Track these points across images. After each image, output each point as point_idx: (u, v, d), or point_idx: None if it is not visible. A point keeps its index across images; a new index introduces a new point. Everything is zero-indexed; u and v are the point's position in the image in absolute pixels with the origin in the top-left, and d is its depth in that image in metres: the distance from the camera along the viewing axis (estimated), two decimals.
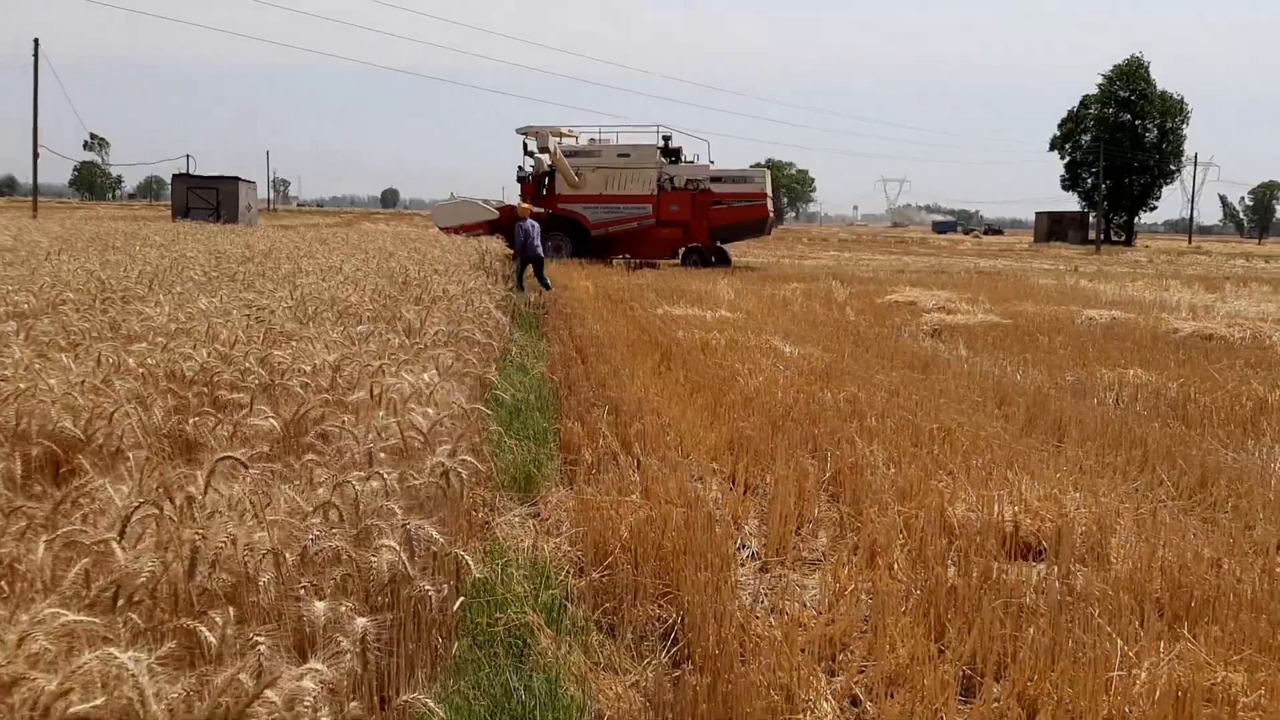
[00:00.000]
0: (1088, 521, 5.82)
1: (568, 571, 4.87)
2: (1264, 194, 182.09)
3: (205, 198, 45.57)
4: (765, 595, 5.18)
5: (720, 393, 9.57)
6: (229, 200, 45.63)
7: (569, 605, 4.40)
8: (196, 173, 52.14)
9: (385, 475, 3.22)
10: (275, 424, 4.30)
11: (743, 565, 5.54)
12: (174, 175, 48.53)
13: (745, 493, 6.63)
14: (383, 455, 3.92)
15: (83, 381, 4.57)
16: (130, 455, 3.77)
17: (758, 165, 32.99)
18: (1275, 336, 15.65)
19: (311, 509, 2.99)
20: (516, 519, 5.95)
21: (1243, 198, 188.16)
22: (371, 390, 4.79)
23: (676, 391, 9.92)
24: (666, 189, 31.84)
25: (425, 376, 4.91)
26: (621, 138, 33.08)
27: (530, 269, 21.59)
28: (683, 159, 32.76)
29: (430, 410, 4.38)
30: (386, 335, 7.40)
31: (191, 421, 4.33)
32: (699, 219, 31.83)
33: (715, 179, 31.95)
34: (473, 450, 4.58)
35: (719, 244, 33.06)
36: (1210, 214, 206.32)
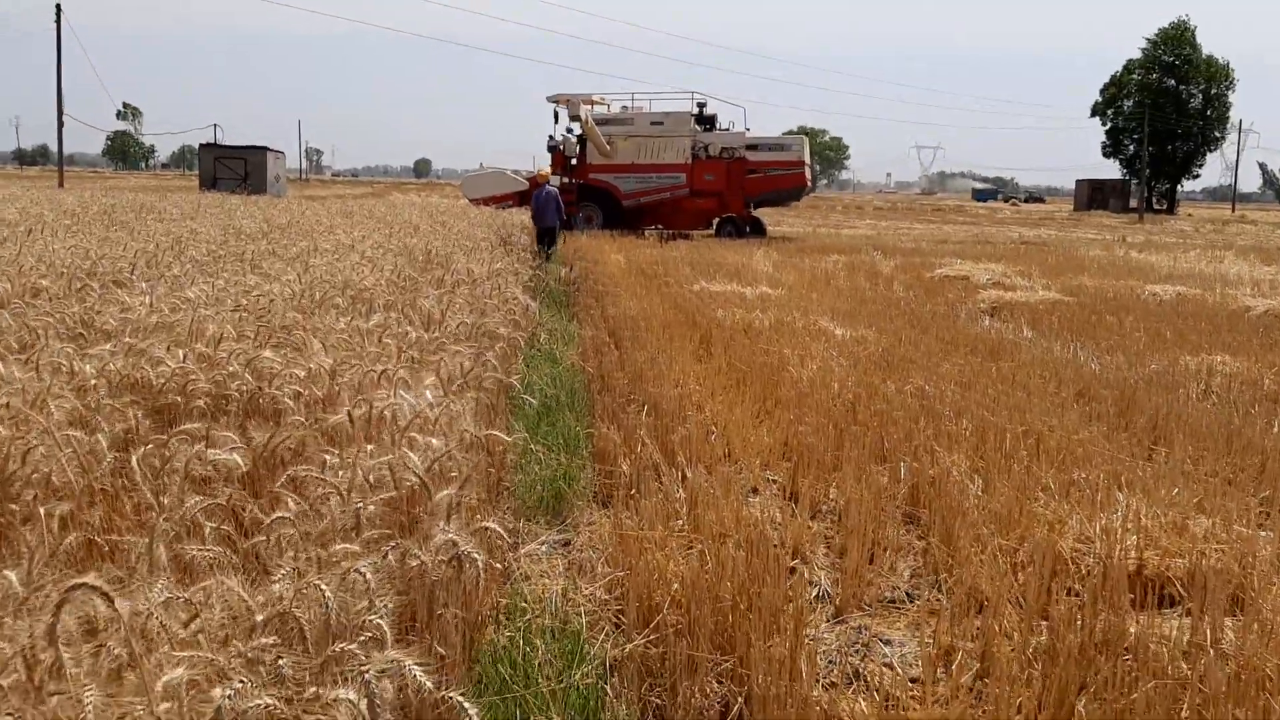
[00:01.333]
0: (1225, 558, 4.87)
1: (605, 633, 3.98)
2: None
3: (233, 168, 44.89)
4: (843, 654, 4.28)
5: (770, 384, 8.64)
6: (257, 171, 44.92)
7: (607, 689, 3.50)
8: (225, 143, 51.44)
9: (366, 575, 2.32)
10: (242, 459, 3.42)
11: (811, 609, 4.64)
12: (201, 146, 47.85)
13: (810, 515, 5.71)
14: (371, 509, 3.03)
15: (6, 403, 3.71)
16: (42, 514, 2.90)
17: (793, 133, 31.77)
18: None
19: (256, 622, 2.11)
20: (543, 550, 5.06)
21: None
22: (369, 411, 3.90)
23: (720, 383, 9.00)
24: (701, 157, 30.78)
25: (428, 395, 4.01)
26: (655, 105, 32.06)
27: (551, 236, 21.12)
28: (718, 126, 31.65)
29: (435, 442, 3.49)
30: (402, 327, 6.52)
31: (137, 457, 3.45)
32: (734, 188, 30.77)
33: (751, 147, 30.86)
34: (488, 488, 3.69)
35: (754, 214, 31.99)
36: (1248, 182, 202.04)
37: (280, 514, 2.84)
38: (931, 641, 4.17)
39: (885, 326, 12.13)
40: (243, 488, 3.62)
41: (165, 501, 3.30)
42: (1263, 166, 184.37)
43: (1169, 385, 9.24)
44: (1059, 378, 9.33)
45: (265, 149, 45.88)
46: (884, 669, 4.20)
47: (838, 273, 19.68)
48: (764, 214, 32.98)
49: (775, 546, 4.65)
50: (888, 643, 4.44)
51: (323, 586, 2.18)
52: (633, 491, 5.49)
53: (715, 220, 31.49)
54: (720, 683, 3.74)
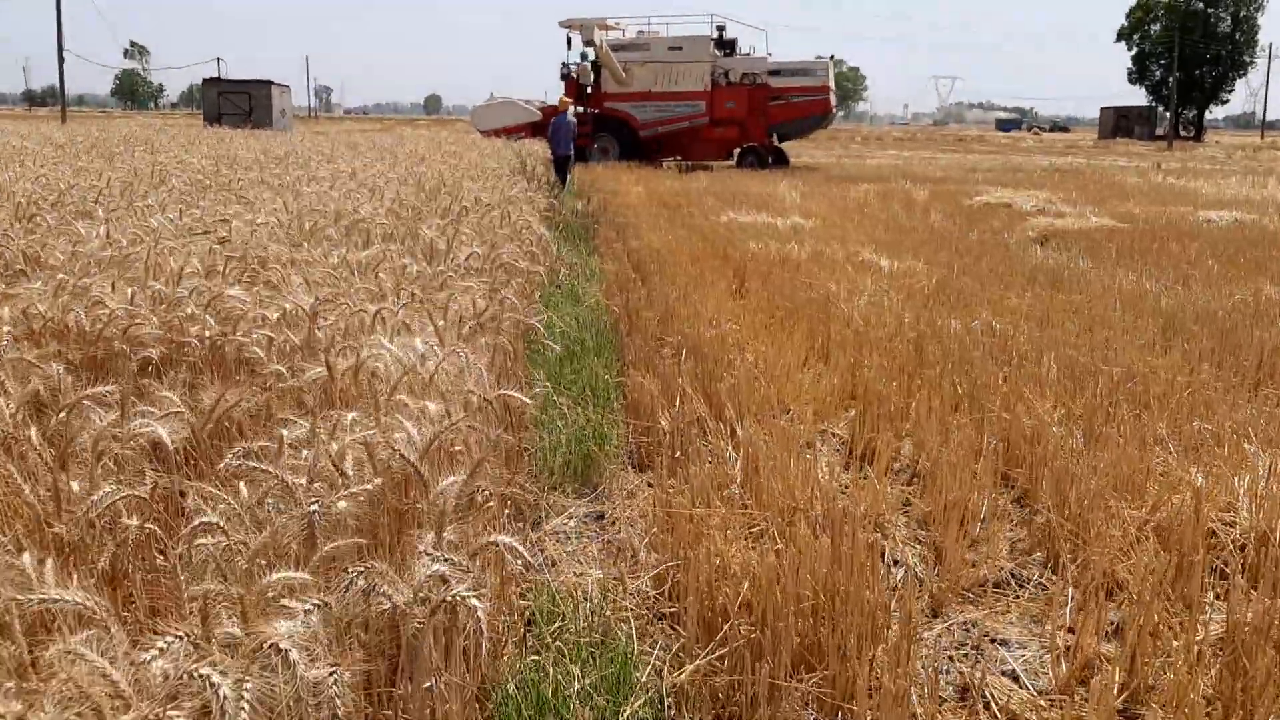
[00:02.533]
0: None
1: (658, 646, 3.11)
2: None
3: (237, 103, 43.69)
4: (952, 661, 3.41)
5: (817, 322, 7.71)
6: (262, 105, 43.72)
7: None
8: (229, 77, 50.13)
9: (293, 657, 1.44)
10: (170, 436, 2.52)
11: (896, 595, 3.76)
12: (204, 80, 46.52)
13: (884, 475, 4.82)
14: (344, 505, 2.15)
15: None
16: None
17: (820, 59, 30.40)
18: None
19: None
20: (572, 525, 4.19)
21: None
22: (356, 363, 3.01)
23: (760, 320, 8.08)
24: (721, 84, 29.52)
25: (419, 344, 3.09)
26: (672, 29, 30.69)
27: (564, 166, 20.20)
28: (738, 51, 30.33)
29: (433, 407, 2.59)
30: (402, 259, 5.60)
31: (35, 432, 2.56)
32: (756, 116, 29.53)
33: (773, 72, 29.57)
34: (506, 457, 2.81)
35: (777, 143, 30.78)
36: (1274, 109, 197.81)
37: (203, 519, 1.96)
38: (1061, 638, 3.29)
39: (933, 257, 11.15)
40: (185, 470, 2.74)
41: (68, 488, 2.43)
42: None
43: (1262, 318, 8.27)
44: (1136, 310, 8.37)
45: (270, 82, 44.60)
46: (1005, 681, 3.33)
47: (870, 201, 18.61)
48: (786, 144, 31.73)
49: (861, 526, 3.75)
50: (1003, 644, 3.57)
51: (213, 679, 1.30)
52: (677, 454, 4.59)
53: (736, 151, 30.31)
54: (807, 707, 2.88)
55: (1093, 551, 3.81)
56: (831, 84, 29.91)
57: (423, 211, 7.96)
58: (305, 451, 2.33)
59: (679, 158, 30.24)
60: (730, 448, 4.95)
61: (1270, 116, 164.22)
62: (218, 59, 56.37)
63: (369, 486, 2.17)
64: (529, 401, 3.15)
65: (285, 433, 2.39)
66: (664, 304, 7.99)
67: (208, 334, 4.08)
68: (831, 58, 29.98)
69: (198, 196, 8.28)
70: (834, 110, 30.96)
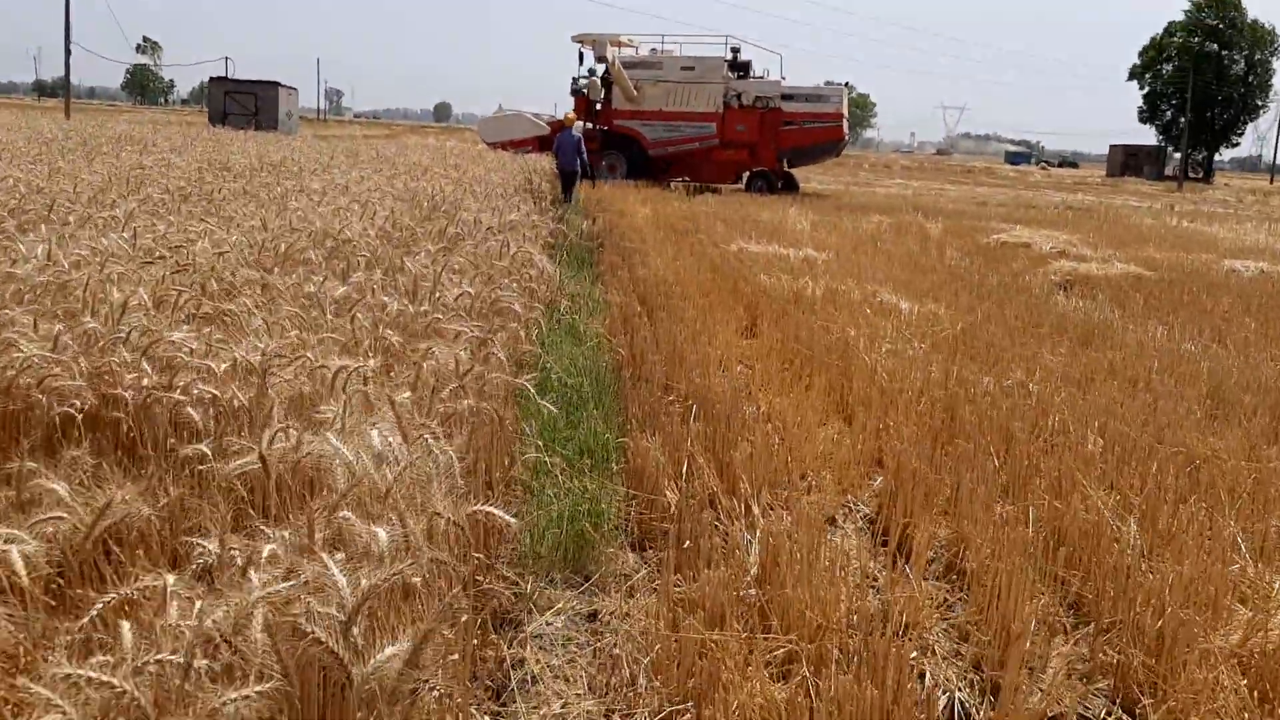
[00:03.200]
0: None
1: None
2: None
3: (243, 103, 43.19)
4: None
5: (837, 371, 7.11)
6: (268, 106, 43.22)
7: None
8: (236, 77, 49.64)
9: None
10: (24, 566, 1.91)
11: None
12: (210, 79, 46.04)
13: (916, 566, 4.20)
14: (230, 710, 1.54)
15: None
16: None
17: (831, 84, 29.91)
18: None
19: None
20: (560, 626, 3.57)
21: None
22: (293, 466, 2.40)
23: (773, 365, 7.49)
24: (733, 106, 28.97)
25: (378, 435, 2.48)
26: (686, 49, 30.21)
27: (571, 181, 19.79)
28: (752, 74, 29.80)
29: (383, 535, 1.99)
30: (383, 295, 5.01)
31: None
32: (766, 140, 28.98)
33: (786, 96, 29.02)
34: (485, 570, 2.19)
35: (787, 168, 30.23)
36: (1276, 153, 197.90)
37: None
38: None
39: (954, 301, 10.55)
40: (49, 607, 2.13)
41: None
42: None
43: None
44: (1177, 373, 7.77)
45: (277, 84, 44.12)
46: None
47: (883, 235, 18.04)
48: (792, 170, 31.17)
49: (898, 649, 3.14)
50: None
51: None
52: (685, 543, 3.98)
53: (746, 174, 29.76)
54: None
55: (1179, 696, 3.19)
56: (845, 111, 29.39)
57: (416, 234, 7.37)
58: (198, 604, 1.73)
59: (687, 178, 29.70)
60: (745, 529, 4.34)
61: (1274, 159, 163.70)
62: (225, 58, 55.82)
63: (263, 688, 1.57)
64: (511, 520, 2.54)
65: (171, 581, 1.78)
66: (671, 344, 7.38)
67: (145, 383, 3.47)
68: (846, 84, 29.45)
69: (173, 208, 7.68)
70: (847, 138, 30.43)
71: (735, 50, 29.61)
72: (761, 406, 6.47)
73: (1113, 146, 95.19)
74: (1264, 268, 15.79)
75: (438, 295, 4.89)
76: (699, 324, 8.57)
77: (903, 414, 6.12)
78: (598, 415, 5.52)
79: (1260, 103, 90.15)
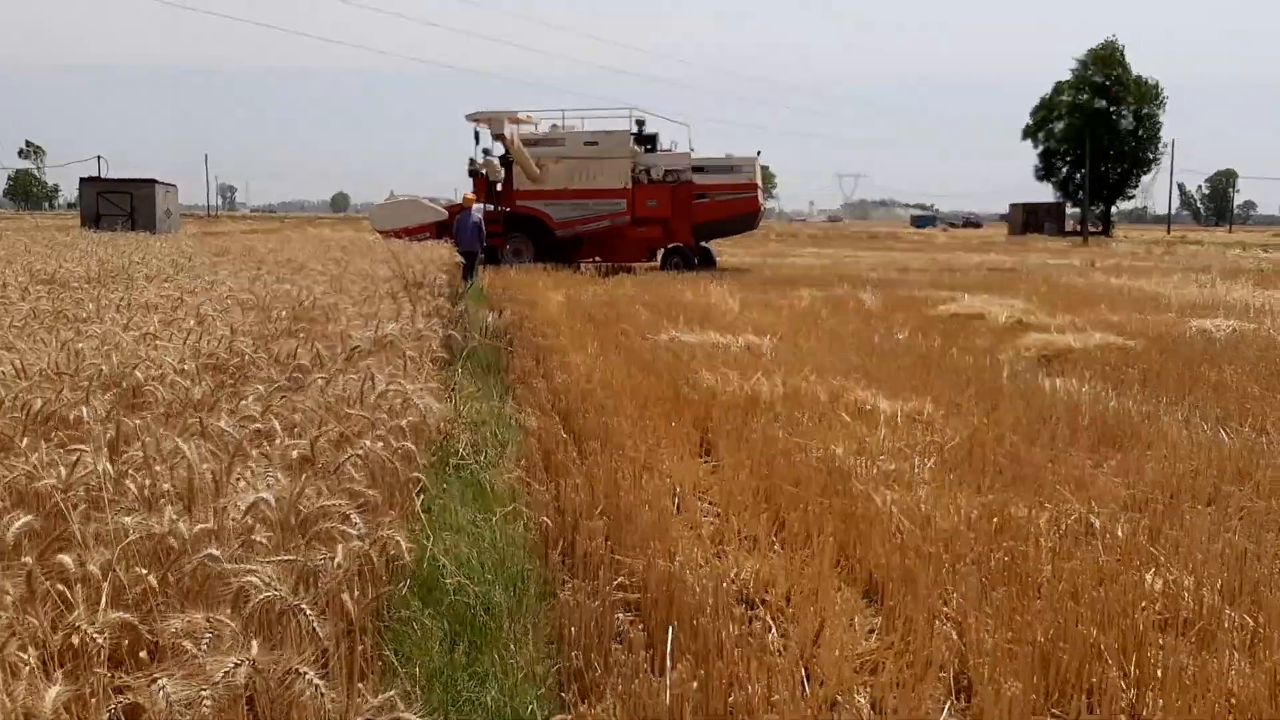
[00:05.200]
0: None
1: None
2: (1220, 182, 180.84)
3: (118, 203, 40.54)
4: None
5: (839, 516, 5.27)
6: (144, 205, 40.59)
7: None
8: (111, 175, 46.96)
9: None
10: None
11: None
12: (81, 180, 43.29)
13: None
14: None
15: None
16: None
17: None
18: None
19: None
20: None
21: (1200, 186, 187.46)
22: None
23: (753, 511, 5.62)
24: (642, 181, 27.46)
25: None
26: (589, 124, 28.66)
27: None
28: (659, 147, 28.38)
29: None
30: (135, 514, 3.04)
31: None
32: (680, 215, 27.48)
33: (698, 169, 27.62)
34: None
35: (703, 243, 28.75)
36: (1164, 204, 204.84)
37: None
38: None
39: (939, 395, 8.81)
40: None
41: None
42: (1181, 187, 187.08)
43: None
44: (1252, 482, 6.08)
45: (154, 181, 41.59)
46: None
47: (820, 312, 16.41)
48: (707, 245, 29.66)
49: None
50: None
51: None
52: None
53: (660, 251, 28.20)
54: None
55: None
56: (759, 181, 28.09)
57: (254, 365, 5.38)
58: None
59: (598, 259, 28.02)
60: None
61: (1160, 211, 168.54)
62: (98, 157, 52.88)
63: None
64: None
65: None
66: (612, 492, 5.47)
67: None
68: (758, 153, 28.20)
69: None
70: (763, 208, 29.11)
71: (640, 123, 28.21)
72: (749, 583, 4.59)
73: (1013, 206, 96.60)
74: (1235, 326, 14.49)
75: (235, 499, 2.92)
76: (642, 450, 6.68)
77: (953, 588, 4.27)
78: (516, 657, 3.54)
79: (1151, 155, 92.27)
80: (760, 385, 9.00)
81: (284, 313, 7.65)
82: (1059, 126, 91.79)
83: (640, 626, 3.99)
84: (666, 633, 3.82)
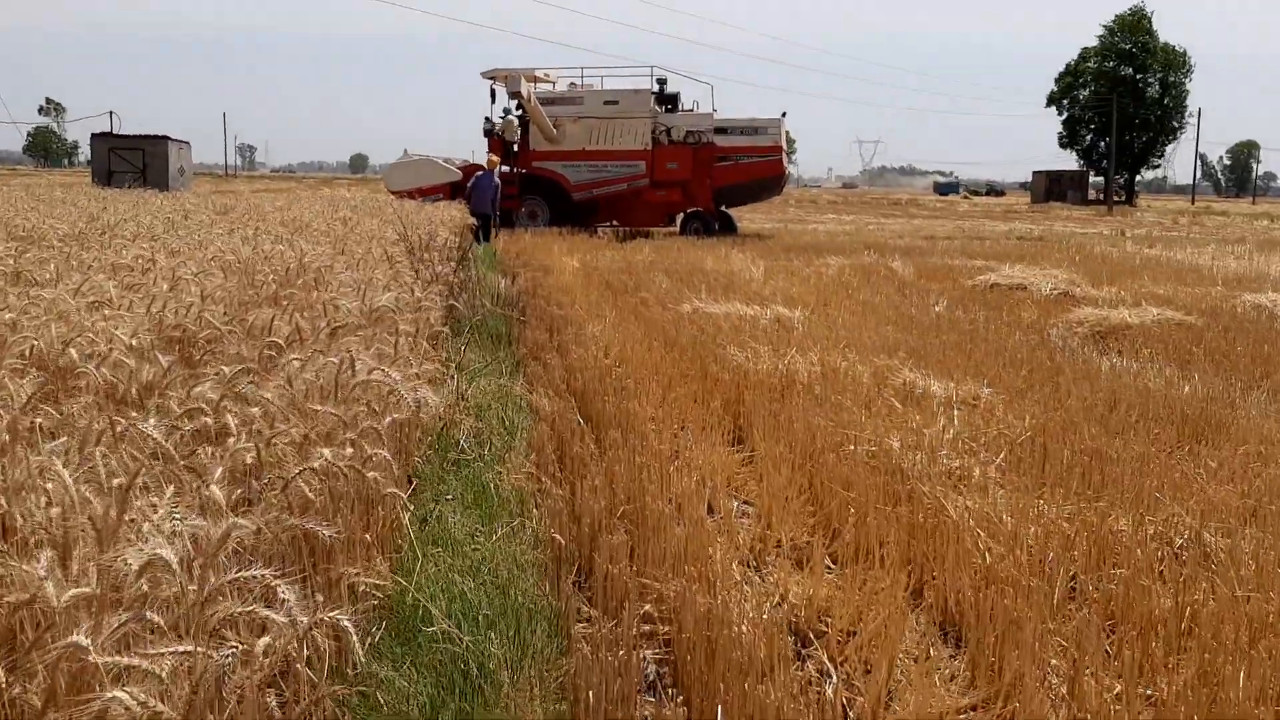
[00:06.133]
0: None
1: None
2: (1242, 153, 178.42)
3: (130, 160, 39.74)
4: None
5: (903, 528, 4.48)
6: (157, 162, 39.78)
7: None
8: (122, 132, 46.14)
9: None
10: None
11: None
12: (93, 135, 42.47)
13: None
14: None
15: None
16: None
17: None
18: None
19: None
20: None
21: (1221, 157, 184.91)
22: None
23: (798, 514, 4.84)
24: (662, 143, 26.46)
25: None
26: (608, 82, 27.69)
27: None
28: (681, 106, 27.37)
29: None
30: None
31: None
32: (701, 178, 26.50)
33: (720, 130, 26.59)
34: None
35: (724, 208, 27.82)
36: (1184, 174, 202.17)
37: None
38: None
39: (995, 376, 7.99)
40: None
41: None
42: (1203, 157, 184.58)
43: None
44: None
45: (166, 138, 40.74)
46: None
47: (851, 281, 15.55)
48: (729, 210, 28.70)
49: None
50: None
51: None
52: None
53: (680, 216, 27.27)
54: None
55: None
56: (784, 144, 27.09)
57: (223, 340, 4.61)
58: None
59: (615, 223, 27.13)
60: None
61: (1180, 181, 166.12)
62: (110, 112, 51.87)
63: None
64: None
65: None
66: (635, 495, 4.69)
67: None
68: (783, 114, 27.16)
69: None
70: (786, 172, 28.13)
71: (661, 82, 27.17)
72: (799, 610, 3.82)
73: (1036, 173, 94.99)
74: None
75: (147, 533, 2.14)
76: (667, 439, 5.89)
77: (1053, 625, 3.48)
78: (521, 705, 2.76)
79: (1177, 124, 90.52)
80: (795, 363, 8.19)
81: (271, 277, 6.86)
82: (1084, 94, 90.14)
83: (671, 679, 3.21)
84: (707, 698, 3.03)
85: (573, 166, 26.49)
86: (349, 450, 2.97)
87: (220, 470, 2.78)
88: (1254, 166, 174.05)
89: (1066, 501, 4.84)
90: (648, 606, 3.81)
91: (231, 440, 3.11)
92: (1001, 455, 5.72)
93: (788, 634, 3.76)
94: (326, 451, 2.84)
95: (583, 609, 3.85)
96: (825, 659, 3.67)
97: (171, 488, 2.59)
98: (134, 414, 3.57)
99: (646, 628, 3.75)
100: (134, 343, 4.29)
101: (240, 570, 2.05)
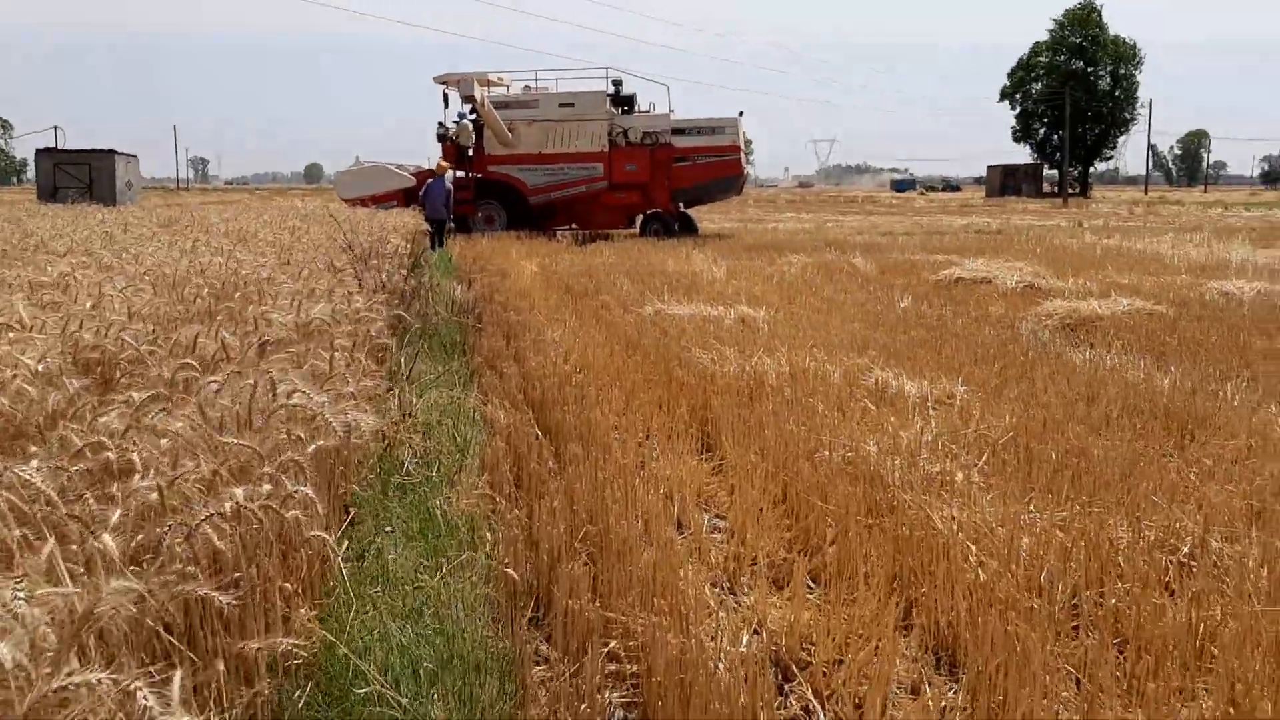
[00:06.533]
0: None
1: None
2: (1192, 142, 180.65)
3: (76, 175, 38.92)
4: None
5: (888, 542, 4.16)
6: (103, 177, 38.97)
7: None
8: (68, 147, 45.18)
9: None
10: None
11: None
12: (37, 151, 41.55)
13: None
14: None
15: None
16: None
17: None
18: None
19: None
20: None
21: (1172, 147, 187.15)
22: None
23: (773, 529, 4.51)
24: (620, 144, 26.14)
25: None
26: (563, 85, 27.31)
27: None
28: (637, 108, 27.05)
29: None
30: None
31: None
32: (659, 179, 26.20)
33: (677, 130, 26.29)
34: None
35: (683, 209, 27.52)
36: (1136, 164, 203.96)
37: None
38: None
39: (969, 373, 7.70)
40: None
41: None
42: (1154, 148, 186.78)
43: None
44: None
45: (113, 152, 39.92)
46: None
47: (814, 279, 15.27)
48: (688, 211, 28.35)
49: None
50: None
51: None
52: None
53: (639, 218, 26.93)
54: None
55: None
56: (742, 143, 26.83)
57: (143, 362, 4.21)
58: None
59: (574, 226, 26.76)
60: None
61: (1132, 171, 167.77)
62: (55, 127, 50.69)
63: None
64: None
65: None
66: (600, 513, 4.33)
67: None
68: (740, 114, 26.87)
69: None
70: (745, 172, 27.86)
71: (617, 83, 26.84)
72: (780, 638, 3.49)
73: (990, 168, 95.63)
74: (1260, 288, 13.43)
75: None
76: (632, 451, 5.54)
77: (1056, 650, 3.16)
78: None
79: (1128, 116, 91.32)
80: (763, 365, 7.87)
81: (206, 290, 6.44)
82: (1036, 88, 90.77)
83: None
84: None
85: (529, 170, 26.09)
86: (266, 487, 2.60)
87: (116, 516, 2.40)
88: (1205, 156, 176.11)
89: (1059, 508, 4.53)
90: (613, 643, 3.46)
91: (137, 478, 2.73)
92: (984, 458, 5.41)
93: (769, 666, 3.43)
94: (239, 491, 2.47)
95: (541, 649, 3.50)
96: (810, 694, 3.34)
97: (52, 541, 2.21)
98: (34, 448, 3.19)
99: (613, 667, 3.40)
100: (41, 368, 3.88)
101: (95, 667, 1.67)
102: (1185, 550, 4.08)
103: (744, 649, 3.47)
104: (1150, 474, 5.01)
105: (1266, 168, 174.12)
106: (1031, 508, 4.56)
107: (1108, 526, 4.23)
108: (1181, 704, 3.09)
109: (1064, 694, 3.07)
